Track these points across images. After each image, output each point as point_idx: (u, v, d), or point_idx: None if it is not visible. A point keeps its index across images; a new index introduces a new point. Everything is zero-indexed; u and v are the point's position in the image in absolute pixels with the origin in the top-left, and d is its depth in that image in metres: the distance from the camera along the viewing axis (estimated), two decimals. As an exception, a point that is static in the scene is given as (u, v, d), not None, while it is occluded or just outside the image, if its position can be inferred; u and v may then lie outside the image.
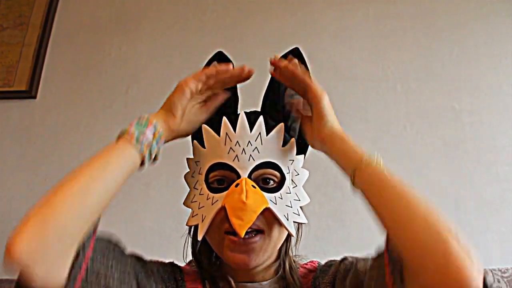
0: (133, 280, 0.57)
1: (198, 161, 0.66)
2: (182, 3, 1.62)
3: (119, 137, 0.58)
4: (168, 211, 1.30)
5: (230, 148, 0.62)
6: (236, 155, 0.61)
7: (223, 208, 0.59)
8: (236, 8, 1.59)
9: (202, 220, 0.61)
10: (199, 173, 0.65)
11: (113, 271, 0.53)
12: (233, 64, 0.68)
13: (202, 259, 0.67)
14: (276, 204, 0.61)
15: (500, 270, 1.06)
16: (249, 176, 0.61)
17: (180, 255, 0.73)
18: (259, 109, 0.71)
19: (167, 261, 0.70)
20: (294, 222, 0.62)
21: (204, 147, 0.65)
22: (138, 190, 1.34)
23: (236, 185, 0.59)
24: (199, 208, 0.63)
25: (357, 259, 0.65)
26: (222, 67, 0.65)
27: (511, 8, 1.48)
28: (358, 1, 1.55)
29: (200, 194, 0.64)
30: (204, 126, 0.65)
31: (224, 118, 0.64)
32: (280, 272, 0.67)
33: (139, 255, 0.64)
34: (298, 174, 0.68)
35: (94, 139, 1.44)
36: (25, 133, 1.47)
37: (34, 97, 1.52)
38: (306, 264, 0.72)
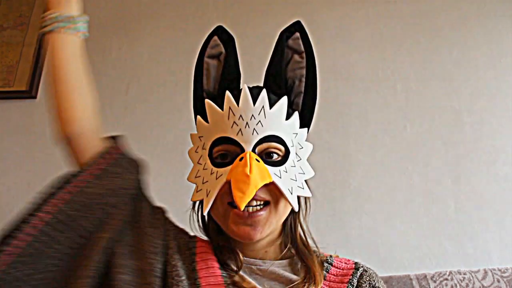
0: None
1: (202, 136, 0.66)
2: (182, 3, 1.62)
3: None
4: (168, 211, 1.30)
5: (234, 122, 0.62)
6: (240, 129, 0.61)
7: (227, 182, 0.59)
8: (236, 8, 1.59)
9: (207, 195, 0.61)
10: (202, 148, 0.66)
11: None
12: (233, 38, 0.71)
13: (210, 233, 0.69)
14: (280, 177, 0.61)
15: (500, 270, 1.06)
16: (253, 150, 0.61)
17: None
18: (262, 85, 0.71)
19: (181, 227, 0.72)
20: (298, 196, 0.63)
21: (207, 122, 0.65)
22: (138, 190, 1.34)
23: (241, 159, 0.59)
24: (203, 183, 0.63)
25: None
26: None
27: (511, 8, 1.48)
28: (358, 1, 1.55)
29: (204, 169, 0.64)
30: (207, 101, 0.66)
31: (227, 92, 0.64)
32: (289, 250, 0.67)
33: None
34: (302, 148, 0.68)
35: (94, 139, 1.44)
36: (25, 133, 1.47)
37: (34, 97, 1.52)
38: (342, 260, 0.70)
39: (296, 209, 0.63)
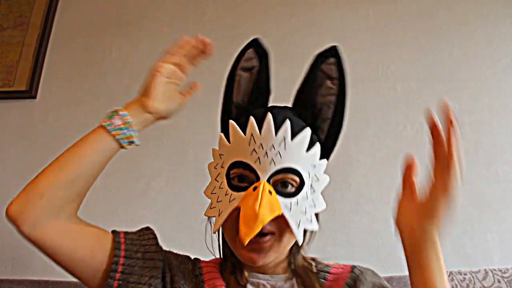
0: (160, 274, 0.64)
1: (222, 154, 0.67)
2: (182, 3, 1.62)
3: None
4: (168, 211, 1.30)
5: (254, 149, 0.62)
6: (258, 158, 0.62)
7: (238, 209, 0.60)
8: (236, 8, 1.59)
9: (219, 215, 0.62)
10: (221, 167, 0.66)
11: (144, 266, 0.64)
12: (268, 53, 0.73)
13: (223, 247, 0.71)
14: (290, 210, 0.62)
15: (500, 270, 1.06)
16: (268, 179, 0.62)
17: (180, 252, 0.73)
18: (290, 104, 0.71)
19: (183, 254, 0.73)
20: (304, 229, 0.63)
21: (229, 141, 0.66)
22: (138, 190, 1.34)
23: (254, 188, 0.60)
24: (217, 201, 0.64)
25: None
26: (182, 39, 0.71)
27: (511, 8, 1.48)
28: (358, 1, 1.55)
29: (219, 188, 0.65)
30: (231, 122, 0.66)
31: (251, 118, 0.64)
32: (292, 267, 0.69)
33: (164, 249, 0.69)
34: (318, 180, 0.68)
35: (94, 139, 1.44)
36: (25, 133, 1.47)
37: (34, 97, 1.52)
38: (339, 266, 0.73)
39: (300, 243, 0.64)
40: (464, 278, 1.05)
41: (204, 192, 0.68)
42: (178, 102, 0.70)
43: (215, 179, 0.67)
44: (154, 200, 1.33)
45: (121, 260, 0.62)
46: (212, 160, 0.70)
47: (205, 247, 0.74)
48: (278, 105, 0.71)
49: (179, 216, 1.28)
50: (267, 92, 0.72)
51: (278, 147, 0.62)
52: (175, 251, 0.73)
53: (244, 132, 0.64)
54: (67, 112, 1.50)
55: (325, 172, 0.70)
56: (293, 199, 0.63)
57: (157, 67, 0.69)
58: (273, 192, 0.61)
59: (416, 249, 0.59)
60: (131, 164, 1.39)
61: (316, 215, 0.67)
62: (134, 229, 0.70)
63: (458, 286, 1.03)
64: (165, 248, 0.71)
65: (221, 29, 1.56)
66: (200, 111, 1.45)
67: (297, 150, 0.64)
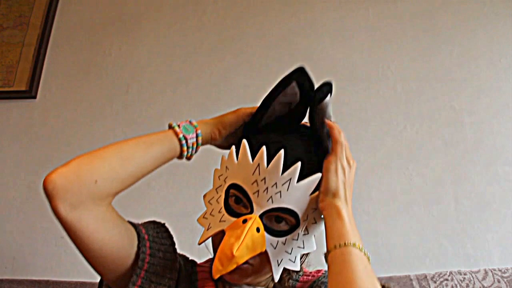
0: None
1: (228, 169, 0.65)
2: (182, 3, 1.63)
3: (169, 128, 0.64)
4: (168, 211, 1.30)
5: (256, 180, 0.60)
6: (258, 190, 0.60)
7: (221, 233, 0.59)
8: (236, 8, 1.59)
9: (207, 229, 0.62)
10: (224, 180, 0.65)
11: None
12: (312, 86, 0.64)
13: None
14: (275, 248, 0.61)
15: (500, 270, 1.06)
16: (262, 215, 0.60)
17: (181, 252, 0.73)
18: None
19: (187, 256, 0.73)
20: (284, 268, 0.62)
21: (237, 159, 0.64)
22: (138, 190, 1.34)
23: (244, 221, 0.59)
24: (210, 214, 0.64)
25: None
26: None
27: (511, 8, 1.48)
28: (358, 1, 1.55)
29: (217, 201, 0.64)
30: (244, 142, 0.63)
31: (263, 149, 0.61)
32: (269, 284, 0.69)
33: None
34: (316, 223, 0.65)
35: (94, 139, 1.44)
36: (25, 133, 1.47)
37: (34, 97, 1.52)
38: (312, 272, 0.72)
39: (277, 280, 0.62)
40: (464, 278, 1.05)
41: (204, 197, 0.67)
42: (234, 142, 0.69)
43: (216, 189, 0.66)
44: (154, 200, 1.33)
45: (147, 258, 0.61)
46: (219, 168, 0.68)
47: (204, 247, 0.73)
48: (297, 133, 0.66)
49: (179, 216, 1.28)
50: (297, 122, 0.68)
51: (280, 187, 0.60)
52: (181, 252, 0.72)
53: (253, 158, 0.61)
54: (67, 112, 1.50)
55: None
56: (282, 238, 0.61)
57: (247, 111, 0.68)
58: (262, 229, 0.59)
59: (326, 216, 0.60)
60: (131, 164, 1.39)
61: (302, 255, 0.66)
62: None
63: (458, 286, 1.03)
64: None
65: (221, 29, 1.56)
66: (200, 111, 1.45)
67: (300, 194, 0.61)
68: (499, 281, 1.03)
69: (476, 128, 1.34)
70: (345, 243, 0.55)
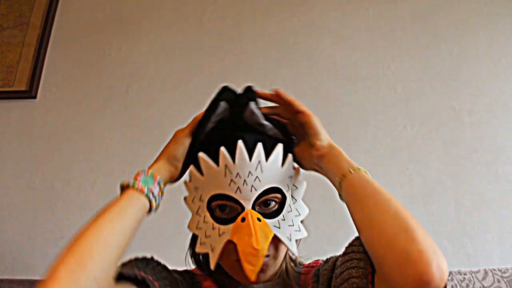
0: None
1: (197, 188, 0.65)
2: (182, 3, 1.63)
3: (125, 188, 0.61)
4: (168, 211, 1.30)
5: (231, 180, 0.61)
6: (238, 187, 0.61)
7: (231, 242, 0.59)
8: (236, 8, 1.59)
9: (212, 251, 0.62)
10: (200, 200, 0.65)
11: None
12: (237, 96, 0.68)
13: (206, 267, 0.70)
14: (279, 228, 0.62)
15: (500, 270, 1.06)
16: (253, 206, 0.61)
17: (180, 255, 0.73)
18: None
19: (181, 269, 0.72)
20: (296, 240, 0.64)
21: (202, 174, 0.64)
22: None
23: (243, 219, 0.59)
24: (206, 237, 0.63)
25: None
26: (198, 116, 0.67)
27: (511, 8, 1.48)
28: (358, 1, 1.55)
29: (204, 222, 0.64)
30: (201, 155, 0.63)
31: (222, 149, 0.61)
32: (280, 274, 0.69)
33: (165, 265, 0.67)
34: (297, 188, 0.69)
35: (94, 139, 1.44)
36: (25, 133, 1.47)
37: (34, 97, 1.52)
38: (310, 263, 0.74)
39: (297, 254, 0.64)
40: (464, 278, 1.05)
41: (188, 227, 0.67)
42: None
43: (196, 213, 0.66)
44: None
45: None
46: (188, 194, 0.68)
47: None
48: (245, 121, 0.66)
49: (178, 216, 1.28)
50: (232, 118, 0.68)
51: (255, 172, 0.61)
52: (170, 266, 0.69)
53: (217, 163, 0.62)
54: (67, 112, 1.50)
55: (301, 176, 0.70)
56: (280, 216, 0.63)
57: (184, 131, 0.67)
58: (262, 218, 0.60)
59: (328, 159, 0.64)
60: (130, 164, 1.39)
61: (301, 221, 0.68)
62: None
63: (458, 286, 1.03)
64: (165, 252, 0.70)
65: (221, 29, 1.56)
66: (199, 110, 1.45)
67: (273, 169, 0.63)
68: (499, 281, 1.03)
69: (476, 128, 1.34)
70: (358, 168, 0.61)
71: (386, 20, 1.51)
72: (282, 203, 0.64)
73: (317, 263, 0.73)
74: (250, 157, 0.61)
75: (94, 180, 1.38)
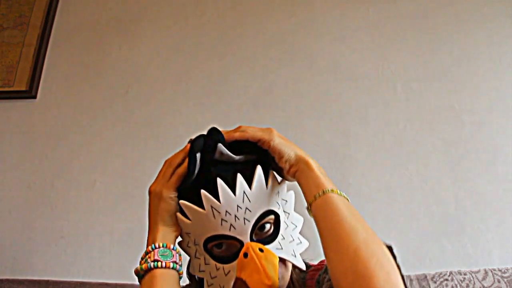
0: None
1: (188, 233, 0.63)
2: (182, 3, 1.63)
3: (147, 272, 0.58)
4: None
5: (222, 219, 0.59)
6: (231, 224, 0.59)
7: (240, 279, 0.59)
8: (236, 8, 1.59)
9: None
10: (194, 244, 0.64)
11: None
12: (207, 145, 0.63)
13: None
14: (282, 248, 0.61)
15: (500, 270, 1.06)
16: (251, 237, 0.60)
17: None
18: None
19: None
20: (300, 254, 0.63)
21: (189, 219, 0.62)
22: (138, 191, 1.34)
23: (245, 254, 0.58)
24: (212, 278, 0.62)
25: None
26: (180, 170, 0.63)
27: (511, 8, 1.48)
28: (358, 1, 1.55)
29: (206, 264, 0.63)
30: (183, 202, 0.61)
31: (203, 192, 0.59)
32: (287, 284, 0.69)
33: None
34: (287, 201, 0.67)
35: (94, 139, 1.44)
36: (25, 133, 1.48)
37: (34, 97, 1.52)
38: (316, 265, 0.73)
39: (304, 268, 0.64)
40: (464, 278, 1.05)
41: (192, 272, 0.66)
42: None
43: (195, 257, 0.64)
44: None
45: None
46: (181, 239, 0.66)
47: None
48: (217, 154, 0.63)
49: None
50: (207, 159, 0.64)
51: (243, 204, 0.60)
52: None
53: (202, 207, 0.60)
54: (67, 112, 1.50)
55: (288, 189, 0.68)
56: (279, 237, 0.62)
57: (166, 189, 0.63)
58: (264, 248, 0.59)
59: (299, 175, 0.61)
60: (131, 164, 1.39)
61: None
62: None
63: (458, 286, 1.03)
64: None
65: (221, 29, 1.56)
66: (199, 111, 1.45)
67: (260, 194, 0.61)
68: (499, 281, 1.03)
69: (476, 128, 1.34)
70: (323, 191, 0.57)
71: (386, 20, 1.51)
72: (277, 222, 0.63)
73: (322, 264, 0.72)
74: (234, 191, 0.59)
75: (94, 180, 1.38)
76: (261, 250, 0.59)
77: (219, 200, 0.59)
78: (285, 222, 0.65)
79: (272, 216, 0.63)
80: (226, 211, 0.59)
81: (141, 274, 0.58)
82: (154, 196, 0.63)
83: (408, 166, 1.31)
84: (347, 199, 0.58)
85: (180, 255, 0.61)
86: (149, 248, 0.60)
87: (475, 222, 1.23)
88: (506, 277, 1.04)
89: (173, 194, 0.62)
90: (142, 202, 1.33)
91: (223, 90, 1.46)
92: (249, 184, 0.61)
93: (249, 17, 1.57)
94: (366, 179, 1.29)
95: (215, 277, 0.62)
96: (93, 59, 1.57)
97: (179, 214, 0.63)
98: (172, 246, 0.60)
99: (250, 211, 0.60)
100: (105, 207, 1.33)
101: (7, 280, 1.16)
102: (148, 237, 0.62)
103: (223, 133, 0.64)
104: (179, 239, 0.66)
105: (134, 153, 1.41)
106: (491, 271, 1.05)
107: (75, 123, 1.48)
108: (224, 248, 0.61)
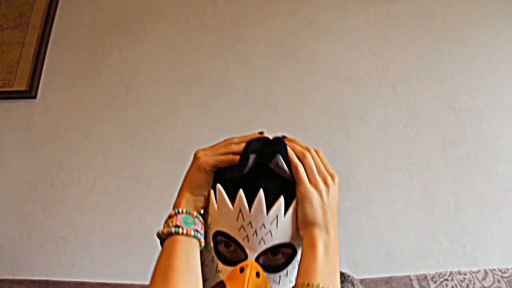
0: None
1: (210, 214, 0.62)
2: (182, 3, 1.63)
3: (168, 236, 0.58)
4: (168, 211, 1.30)
5: (242, 226, 0.58)
6: (247, 235, 0.58)
7: (223, 285, 0.58)
8: (236, 8, 1.59)
9: (205, 280, 0.60)
10: (209, 227, 0.62)
11: None
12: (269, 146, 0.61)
13: None
14: (279, 284, 0.59)
15: (500, 270, 1.06)
16: (257, 258, 0.58)
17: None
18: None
19: None
20: None
21: (217, 203, 0.61)
22: (138, 190, 1.34)
23: (241, 269, 0.57)
24: (204, 264, 0.62)
25: None
26: (235, 147, 0.62)
27: (511, 8, 1.48)
28: (358, 1, 1.55)
29: (207, 250, 0.62)
30: (219, 188, 0.60)
31: (240, 192, 0.58)
32: None
33: None
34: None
35: (94, 139, 1.44)
36: (25, 133, 1.48)
37: (34, 97, 1.52)
38: None
39: None
40: (464, 278, 1.05)
41: None
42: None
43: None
44: (154, 200, 1.33)
45: None
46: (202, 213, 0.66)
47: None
48: (273, 164, 0.60)
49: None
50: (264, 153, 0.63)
51: (269, 226, 0.58)
52: None
53: (232, 204, 0.59)
54: (67, 112, 1.50)
55: None
56: (283, 271, 0.59)
57: (207, 160, 0.62)
58: (261, 273, 0.57)
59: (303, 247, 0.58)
60: (130, 164, 1.39)
61: None
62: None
63: (458, 286, 1.03)
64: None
65: (221, 29, 1.56)
66: (200, 111, 1.45)
67: (290, 225, 0.59)
68: (499, 281, 1.03)
69: (476, 128, 1.34)
70: (307, 284, 0.53)
71: (386, 20, 1.51)
72: (290, 257, 0.60)
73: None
74: (268, 210, 0.57)
75: (94, 180, 1.38)
76: (258, 274, 0.57)
77: (250, 209, 0.57)
78: (297, 261, 0.61)
79: (290, 250, 0.60)
80: (250, 222, 0.58)
81: (162, 237, 0.58)
82: (196, 161, 0.63)
83: (408, 166, 1.31)
84: None
85: (202, 223, 0.61)
86: (172, 212, 0.60)
87: (475, 222, 1.23)
88: (506, 277, 1.04)
89: (211, 171, 0.61)
90: (142, 202, 1.33)
91: (223, 90, 1.46)
92: (286, 209, 0.59)
93: (249, 17, 1.57)
94: (366, 179, 1.29)
95: (206, 265, 0.61)
96: (93, 59, 1.57)
97: (211, 195, 0.61)
98: (195, 214, 0.60)
99: (271, 235, 0.58)
100: (105, 207, 1.33)
101: (7, 280, 1.16)
102: (175, 200, 0.62)
103: (289, 150, 0.61)
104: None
105: (134, 153, 1.41)
106: (491, 271, 1.05)
107: (75, 123, 1.48)
108: (230, 250, 0.60)
